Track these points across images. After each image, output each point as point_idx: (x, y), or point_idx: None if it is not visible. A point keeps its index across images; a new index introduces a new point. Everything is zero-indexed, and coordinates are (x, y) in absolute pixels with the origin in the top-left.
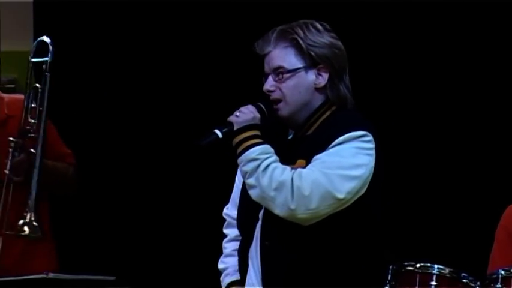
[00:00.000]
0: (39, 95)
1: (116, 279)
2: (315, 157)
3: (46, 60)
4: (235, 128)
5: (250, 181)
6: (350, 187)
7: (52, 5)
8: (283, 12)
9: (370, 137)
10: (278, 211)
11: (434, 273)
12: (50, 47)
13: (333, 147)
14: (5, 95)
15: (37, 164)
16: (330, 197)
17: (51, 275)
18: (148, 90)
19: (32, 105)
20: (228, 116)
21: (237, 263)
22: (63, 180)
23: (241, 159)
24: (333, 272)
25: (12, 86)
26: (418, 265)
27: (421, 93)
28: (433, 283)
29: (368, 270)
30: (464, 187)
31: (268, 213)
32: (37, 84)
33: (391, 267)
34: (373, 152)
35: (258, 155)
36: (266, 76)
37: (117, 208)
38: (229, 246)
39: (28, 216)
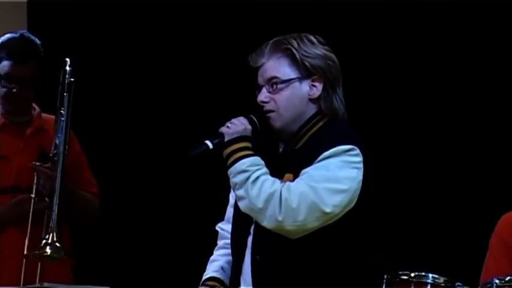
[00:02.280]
0: (61, 116)
1: None
2: (303, 171)
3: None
4: (226, 139)
5: (240, 193)
6: (337, 200)
7: (46, 6)
8: (281, 19)
9: (357, 151)
10: (266, 223)
11: (428, 283)
12: (68, 68)
13: (320, 161)
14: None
15: (57, 186)
16: (317, 209)
17: (45, 284)
18: (143, 92)
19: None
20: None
21: (219, 266)
22: (89, 211)
23: (231, 170)
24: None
25: None
26: (412, 274)
27: (417, 98)
28: None
29: (360, 284)
30: (459, 196)
31: (259, 227)
32: (62, 111)
33: (385, 276)
34: (361, 165)
35: (248, 166)
36: (259, 88)
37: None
38: (216, 253)
39: (50, 237)
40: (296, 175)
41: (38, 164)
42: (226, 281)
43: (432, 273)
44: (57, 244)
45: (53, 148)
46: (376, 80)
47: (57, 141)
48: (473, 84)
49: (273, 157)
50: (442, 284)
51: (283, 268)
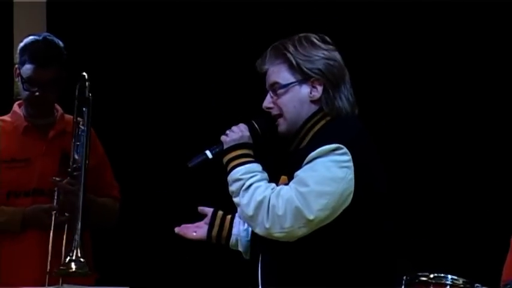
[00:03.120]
0: (80, 130)
1: None
2: (295, 174)
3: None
4: (224, 148)
5: (235, 200)
6: (322, 204)
7: (65, 5)
8: (287, 20)
9: (343, 149)
10: (257, 230)
11: (448, 284)
12: (87, 84)
13: (308, 162)
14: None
15: (80, 201)
16: (301, 217)
17: (65, 286)
18: (161, 92)
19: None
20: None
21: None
22: (109, 216)
23: (228, 179)
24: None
25: None
26: (431, 276)
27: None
28: None
29: (367, 284)
30: (479, 196)
31: None
32: (79, 119)
33: (404, 277)
34: (349, 164)
35: (242, 175)
36: (267, 93)
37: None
38: None
39: (74, 254)
40: (291, 177)
41: (57, 179)
42: (236, 220)
43: (451, 274)
44: (82, 260)
45: (71, 162)
46: (378, 80)
47: (76, 156)
48: (484, 83)
49: (281, 157)
50: (461, 285)
51: (286, 267)
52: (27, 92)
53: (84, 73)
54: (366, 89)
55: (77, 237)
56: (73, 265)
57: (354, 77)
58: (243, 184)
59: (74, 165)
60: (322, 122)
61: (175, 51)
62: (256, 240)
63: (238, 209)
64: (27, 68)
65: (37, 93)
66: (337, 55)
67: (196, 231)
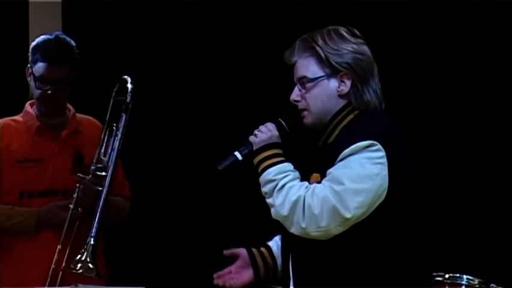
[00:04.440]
0: (113, 134)
1: None
2: (328, 171)
3: (124, 100)
4: (254, 148)
5: (269, 201)
6: (359, 201)
7: (80, 5)
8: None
9: (377, 146)
10: (293, 230)
11: (463, 284)
12: (130, 87)
13: (341, 159)
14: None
15: (101, 203)
16: (338, 215)
17: (80, 286)
18: (176, 92)
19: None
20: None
21: (276, 238)
22: (121, 215)
23: (260, 180)
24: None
25: None
26: (447, 276)
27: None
28: None
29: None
30: (495, 196)
31: None
32: (114, 125)
33: None
34: (383, 160)
35: (275, 175)
36: (294, 85)
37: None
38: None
39: (84, 256)
40: (323, 174)
41: (82, 176)
42: (275, 250)
43: (466, 274)
44: (90, 265)
45: (94, 160)
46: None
47: (102, 156)
48: (489, 83)
49: (310, 154)
50: (477, 285)
51: (318, 266)
52: (39, 91)
53: (126, 76)
54: None
55: (90, 240)
56: (79, 267)
57: None
58: (276, 185)
59: (98, 165)
60: (350, 117)
61: (191, 51)
62: (286, 240)
63: (272, 210)
64: (39, 66)
65: (49, 92)
66: (366, 49)
67: (234, 277)
